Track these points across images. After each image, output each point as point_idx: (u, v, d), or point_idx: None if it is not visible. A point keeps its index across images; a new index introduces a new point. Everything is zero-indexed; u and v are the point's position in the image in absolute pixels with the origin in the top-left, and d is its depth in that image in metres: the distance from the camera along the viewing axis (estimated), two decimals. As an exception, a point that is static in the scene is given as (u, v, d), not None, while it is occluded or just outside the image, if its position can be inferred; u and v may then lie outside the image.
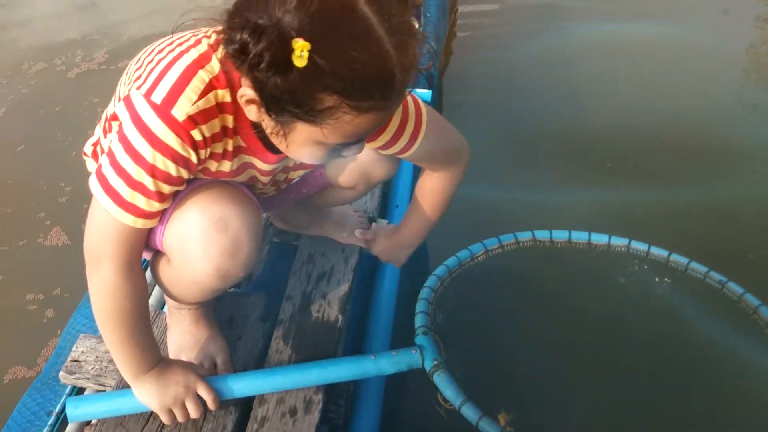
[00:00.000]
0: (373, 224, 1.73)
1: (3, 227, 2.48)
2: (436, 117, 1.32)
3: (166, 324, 1.44)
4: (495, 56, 3.52)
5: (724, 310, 1.63)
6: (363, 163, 1.38)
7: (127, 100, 1.02)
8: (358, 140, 1.01)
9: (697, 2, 3.97)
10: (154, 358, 1.22)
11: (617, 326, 1.78)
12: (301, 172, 1.37)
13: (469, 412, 1.26)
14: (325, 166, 1.40)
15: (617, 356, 1.72)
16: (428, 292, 1.60)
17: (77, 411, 1.26)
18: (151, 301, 1.59)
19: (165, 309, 1.48)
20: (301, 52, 0.83)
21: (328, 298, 1.55)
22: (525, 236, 1.81)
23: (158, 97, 0.99)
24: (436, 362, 1.37)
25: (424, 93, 2.43)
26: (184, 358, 1.35)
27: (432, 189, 1.45)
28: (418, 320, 1.49)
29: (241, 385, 1.30)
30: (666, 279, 1.77)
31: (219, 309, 1.51)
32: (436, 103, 3.00)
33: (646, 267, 1.78)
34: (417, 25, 2.53)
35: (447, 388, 1.32)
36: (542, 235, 1.82)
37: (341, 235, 1.67)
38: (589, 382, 1.68)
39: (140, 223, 1.06)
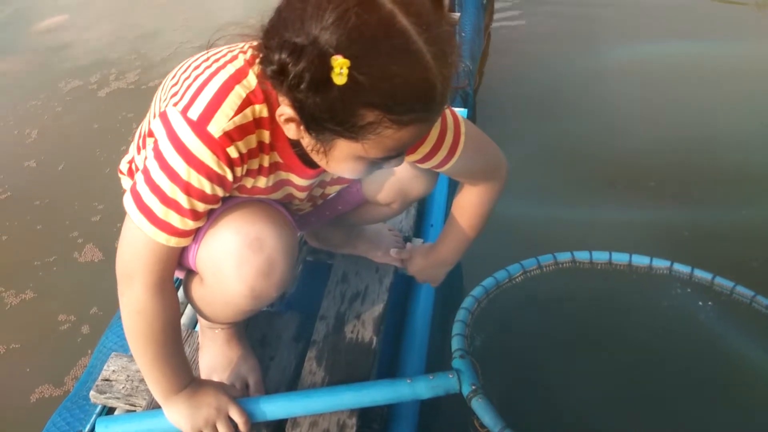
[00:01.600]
0: (408, 244, 1.69)
1: (36, 244, 2.49)
2: (475, 130, 1.29)
3: (198, 344, 1.42)
4: (529, 76, 3.49)
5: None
6: (400, 179, 1.35)
7: (163, 117, 1.01)
8: (399, 154, 0.98)
9: (735, 20, 3.91)
10: (186, 378, 1.20)
11: (660, 352, 1.72)
12: (337, 187, 1.34)
13: None
14: (362, 181, 1.37)
15: (660, 384, 1.65)
16: (465, 314, 1.57)
17: (107, 431, 1.23)
18: (184, 320, 1.57)
19: (197, 328, 1.46)
20: (340, 69, 0.81)
21: (362, 319, 1.52)
22: (564, 257, 1.77)
23: (195, 113, 0.98)
24: (474, 387, 1.33)
25: (460, 111, 2.39)
26: (216, 379, 1.33)
27: (470, 204, 1.41)
28: (455, 343, 1.46)
29: (273, 408, 1.27)
30: (710, 303, 1.71)
31: (251, 328, 1.49)
32: (472, 122, 2.97)
33: (689, 290, 1.72)
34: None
35: (486, 415, 1.27)
36: (582, 256, 1.77)
37: (376, 254, 1.64)
38: (630, 409, 1.63)
39: (173, 242, 1.04)
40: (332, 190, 1.34)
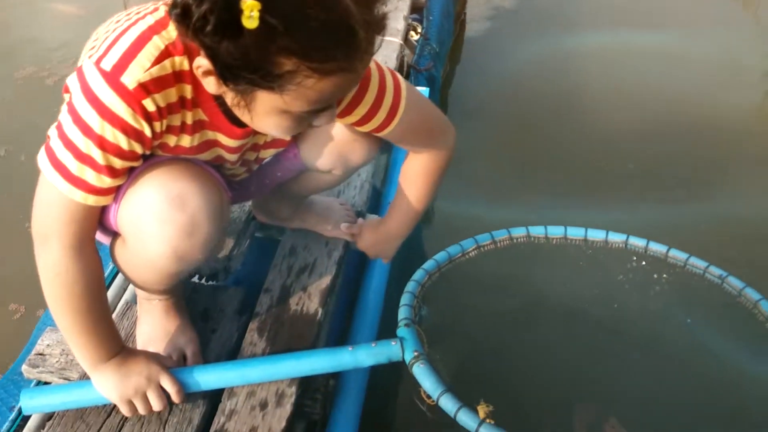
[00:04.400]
0: (360, 219, 1.66)
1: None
2: (417, 94, 1.26)
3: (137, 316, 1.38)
4: (503, 64, 3.47)
5: (725, 307, 1.55)
6: (339, 144, 1.31)
7: (78, 70, 0.98)
8: (325, 106, 0.96)
9: (704, 10, 3.91)
10: (114, 347, 1.17)
11: (609, 323, 1.71)
12: (272, 151, 1.31)
13: (447, 404, 1.19)
14: (299, 146, 1.34)
15: (614, 357, 1.64)
16: (414, 286, 1.53)
17: (32, 402, 1.20)
18: (127, 295, 1.53)
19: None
20: (250, 12, 0.78)
21: (308, 291, 1.49)
22: (519, 232, 1.74)
23: (108, 63, 0.95)
24: (416, 353, 1.30)
25: (422, 90, 2.37)
26: (152, 350, 1.29)
27: (416, 174, 1.39)
28: (402, 312, 1.42)
29: (208, 377, 1.24)
30: (664, 275, 1.69)
31: (193, 302, 1.46)
32: (438, 105, 2.95)
33: (644, 263, 1.70)
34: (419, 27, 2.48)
35: (426, 380, 1.24)
36: (537, 231, 1.75)
37: (326, 228, 1.61)
38: (582, 382, 1.61)
39: (91, 200, 1.01)
40: (267, 154, 1.30)
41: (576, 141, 2.91)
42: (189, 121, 1.05)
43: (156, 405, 1.18)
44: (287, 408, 1.25)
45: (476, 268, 1.69)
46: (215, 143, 1.13)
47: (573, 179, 2.66)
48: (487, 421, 1.15)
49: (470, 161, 2.79)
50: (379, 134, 1.24)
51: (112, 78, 0.94)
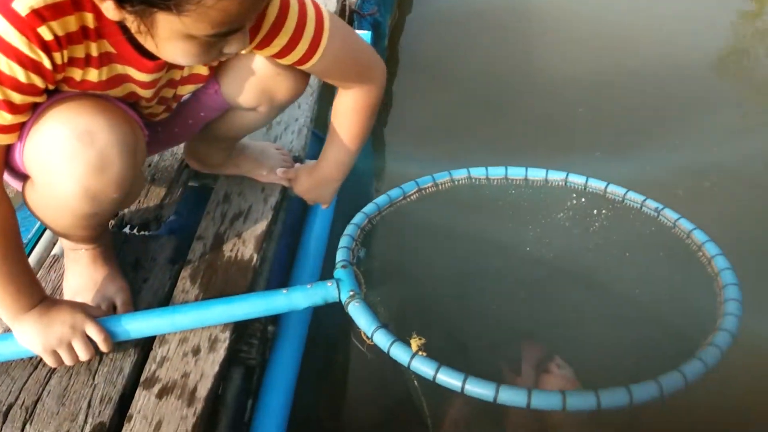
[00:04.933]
0: (297, 164, 1.63)
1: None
2: (342, 25, 1.22)
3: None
4: (456, 13, 3.42)
5: (661, 238, 1.56)
6: (262, 78, 1.26)
7: None
8: (231, 29, 0.91)
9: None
10: (35, 297, 1.13)
11: (551, 261, 1.71)
12: (191, 87, 1.25)
13: (381, 339, 1.18)
14: (219, 82, 1.28)
15: (551, 291, 1.66)
16: (354, 229, 1.50)
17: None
18: (56, 250, 1.48)
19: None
20: None
21: (243, 238, 1.46)
22: (460, 174, 1.72)
23: None
24: (351, 293, 1.28)
25: (363, 34, 2.32)
26: (79, 300, 1.26)
27: (346, 111, 1.35)
28: (339, 255, 1.40)
29: (136, 325, 1.21)
30: (603, 210, 1.69)
31: (124, 252, 1.42)
32: (384, 53, 2.90)
33: (584, 200, 1.70)
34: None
35: (360, 317, 1.22)
36: (478, 172, 1.73)
37: (261, 173, 1.57)
38: (524, 319, 1.62)
39: None
40: (185, 91, 1.25)
41: (528, 91, 2.90)
42: (94, 53, 1.00)
43: (82, 354, 1.15)
44: (220, 353, 1.23)
45: (418, 211, 1.67)
46: (126, 78, 1.08)
47: (525, 129, 2.66)
48: (420, 353, 1.14)
49: (419, 114, 2.76)
50: (303, 67, 1.20)
51: (3, 5, 0.89)
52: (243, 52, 1.14)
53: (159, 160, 1.64)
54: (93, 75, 1.03)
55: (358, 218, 1.54)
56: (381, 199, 1.60)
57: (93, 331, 1.16)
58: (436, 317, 1.65)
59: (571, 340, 1.68)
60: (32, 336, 1.12)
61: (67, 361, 1.15)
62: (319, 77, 1.29)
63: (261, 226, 1.49)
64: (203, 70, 1.20)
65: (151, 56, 1.03)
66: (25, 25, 0.89)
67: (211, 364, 1.22)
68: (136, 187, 1.14)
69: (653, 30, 3.29)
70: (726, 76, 3.13)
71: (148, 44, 0.94)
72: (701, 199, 2.39)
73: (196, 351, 1.23)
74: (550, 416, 1.59)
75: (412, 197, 1.66)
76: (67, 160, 1.00)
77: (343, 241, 1.44)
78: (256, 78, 1.25)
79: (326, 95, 1.99)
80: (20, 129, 1.00)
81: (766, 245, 2.14)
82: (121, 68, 1.06)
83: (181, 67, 1.15)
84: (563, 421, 1.56)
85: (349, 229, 1.49)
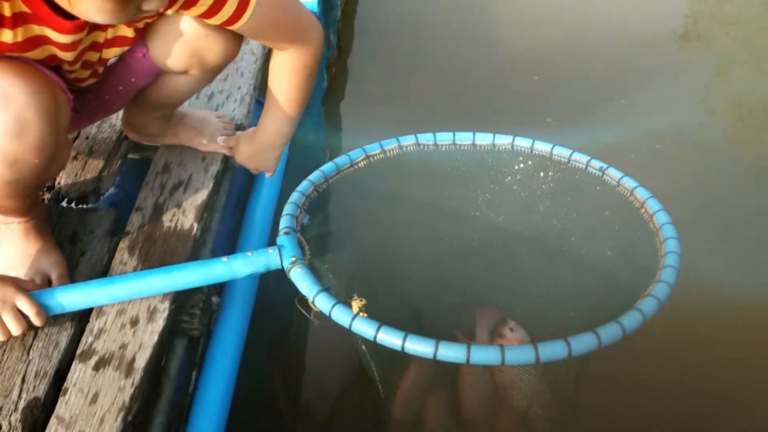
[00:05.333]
0: (238, 132, 1.60)
1: None
2: None
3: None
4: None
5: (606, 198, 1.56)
6: (191, 39, 1.22)
7: None
8: None
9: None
10: None
11: (500, 225, 1.71)
12: (116, 50, 1.21)
13: (322, 303, 1.16)
14: (148, 44, 1.24)
15: (501, 255, 1.67)
16: (298, 196, 1.46)
17: None
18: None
19: None
20: None
21: (183, 208, 1.43)
22: (408, 140, 1.70)
23: None
24: (294, 259, 1.25)
25: (309, 3, 2.28)
26: (12, 275, 1.22)
27: (282, 74, 1.32)
28: (283, 222, 1.36)
29: (71, 298, 1.18)
30: (550, 173, 1.69)
31: (61, 225, 1.38)
32: (337, 23, 2.87)
33: (530, 163, 1.69)
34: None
35: (302, 282, 1.20)
36: (426, 138, 1.70)
37: (201, 142, 1.54)
38: (472, 283, 1.62)
39: None
40: (111, 54, 1.21)
41: (484, 58, 2.90)
42: (7, 12, 0.96)
43: (13, 329, 1.12)
44: (159, 323, 1.21)
45: (367, 179, 1.65)
46: (44, 40, 1.04)
47: (480, 96, 2.66)
48: (361, 314, 1.13)
49: (373, 83, 2.74)
50: (232, 28, 1.16)
51: None
52: (168, 12, 1.11)
53: (97, 132, 1.59)
54: (7, 36, 0.99)
55: (303, 186, 1.51)
56: (327, 167, 1.56)
57: (25, 305, 1.12)
58: (386, 284, 1.65)
59: (522, 302, 1.69)
60: None
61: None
62: (252, 39, 1.26)
63: (201, 196, 1.46)
64: (128, 32, 1.16)
65: (70, 16, 0.99)
66: None
67: (150, 334, 1.19)
68: (60, 154, 1.10)
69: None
70: (683, 45, 3.15)
71: (61, 1, 0.90)
72: (652, 162, 2.42)
73: (134, 322, 1.21)
74: (501, 379, 1.60)
75: (360, 164, 1.63)
76: None
77: (287, 209, 1.41)
78: (184, 40, 1.22)
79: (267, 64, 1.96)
80: None
81: (709, 201, 2.18)
82: (38, 29, 1.02)
83: (104, 29, 1.11)
84: (514, 384, 1.57)
85: (294, 197, 1.46)
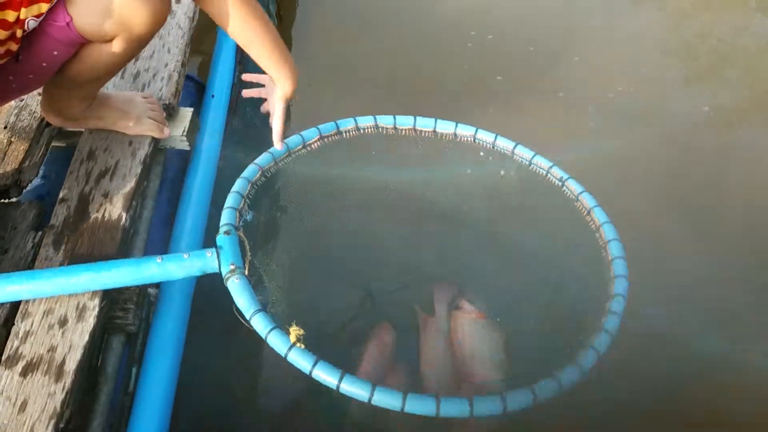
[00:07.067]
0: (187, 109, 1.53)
1: None
2: None
3: None
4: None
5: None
6: (118, 2, 1.15)
7: None
8: None
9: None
10: None
11: (457, 213, 1.69)
12: (36, 9, 1.13)
13: (259, 325, 1.10)
14: (70, 11, 1.16)
15: (457, 241, 1.68)
16: (244, 184, 1.35)
17: None
18: None
19: None
20: None
21: (110, 197, 1.36)
22: (366, 122, 1.60)
23: None
24: (232, 267, 1.17)
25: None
26: None
27: (228, 13, 1.25)
28: (225, 217, 1.27)
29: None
30: (512, 172, 1.63)
31: (-20, 222, 1.30)
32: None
33: (491, 158, 1.63)
34: None
35: (240, 297, 1.13)
36: (385, 121, 1.61)
37: (127, 125, 1.46)
38: (427, 263, 1.64)
39: None
40: (30, 14, 1.12)
41: (439, 32, 2.76)
42: None
43: None
44: (90, 322, 1.15)
45: (317, 164, 1.57)
46: None
47: (434, 74, 2.55)
48: (298, 344, 1.08)
49: (320, 59, 2.61)
50: None
51: None
52: None
53: (16, 120, 1.50)
54: None
55: (249, 171, 1.39)
56: (276, 151, 1.46)
57: None
58: (339, 267, 1.60)
59: (476, 279, 1.67)
60: None
61: None
62: None
63: (130, 183, 1.39)
64: None
65: None
66: None
67: (80, 334, 1.13)
68: None
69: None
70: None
71: None
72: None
73: (63, 322, 1.15)
74: (462, 354, 1.57)
75: (312, 146, 1.52)
76: None
77: (230, 200, 1.31)
78: (111, 3, 1.15)
79: (199, 38, 1.87)
80: None
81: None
82: None
83: None
84: (475, 356, 1.55)
85: (238, 185, 1.35)
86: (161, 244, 1.51)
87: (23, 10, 1.10)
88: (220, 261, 1.18)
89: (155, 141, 1.49)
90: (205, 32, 1.98)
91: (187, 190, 1.60)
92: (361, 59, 2.62)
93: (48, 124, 1.50)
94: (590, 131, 2.34)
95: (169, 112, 1.56)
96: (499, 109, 2.36)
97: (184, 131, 1.55)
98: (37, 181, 1.50)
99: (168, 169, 1.61)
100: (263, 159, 1.43)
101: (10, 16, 1.09)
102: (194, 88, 1.89)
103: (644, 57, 2.66)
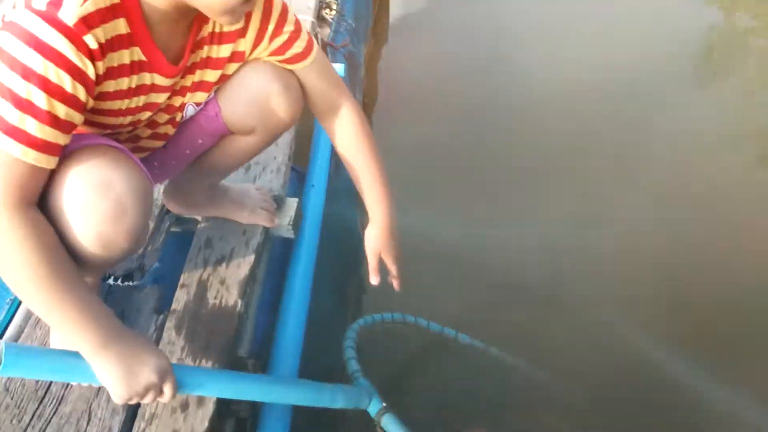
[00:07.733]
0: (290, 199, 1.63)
1: None
2: (326, 58, 1.30)
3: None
4: (435, 38, 3.40)
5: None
6: (262, 98, 1.25)
7: (7, 24, 0.90)
8: None
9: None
10: (110, 326, 0.99)
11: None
12: (197, 97, 1.22)
13: None
14: (220, 103, 1.27)
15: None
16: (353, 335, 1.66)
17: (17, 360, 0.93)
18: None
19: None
20: None
21: (226, 283, 1.44)
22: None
23: (41, 3, 0.90)
24: (384, 405, 1.43)
25: (337, 66, 2.32)
26: None
27: (354, 139, 1.31)
28: (351, 366, 1.55)
29: (201, 381, 1.11)
30: None
31: (108, 303, 1.37)
32: (361, 83, 2.90)
33: None
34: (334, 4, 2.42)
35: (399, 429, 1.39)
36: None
37: (242, 214, 1.56)
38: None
39: (32, 156, 0.92)
40: (191, 99, 1.22)
41: (515, 122, 2.78)
42: (126, 60, 1.02)
43: (164, 399, 1.05)
44: (209, 408, 1.21)
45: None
46: (151, 89, 1.10)
47: (513, 168, 2.55)
48: None
49: (400, 150, 2.62)
50: (298, 66, 1.24)
51: (50, 16, 0.89)
52: (260, 46, 1.19)
53: (138, 207, 1.61)
54: (124, 84, 1.04)
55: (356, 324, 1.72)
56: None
57: (170, 384, 1.03)
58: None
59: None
60: (116, 378, 0.98)
61: (144, 401, 1.04)
62: (308, 90, 1.28)
63: (244, 271, 1.47)
64: (211, 77, 1.20)
65: (176, 60, 1.09)
66: (74, 34, 0.90)
67: (200, 420, 1.19)
68: (142, 237, 1.11)
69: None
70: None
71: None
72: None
73: (184, 407, 1.21)
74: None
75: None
76: (84, 210, 0.98)
77: (348, 352, 1.58)
78: (255, 98, 1.25)
79: (302, 131, 1.98)
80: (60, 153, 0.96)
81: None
82: (149, 77, 1.08)
83: (192, 72, 1.17)
84: None
85: (350, 333, 1.67)
86: (266, 330, 1.57)
87: (188, 95, 1.21)
88: (371, 401, 1.44)
89: (266, 230, 1.58)
90: (305, 128, 2.07)
91: (292, 278, 1.67)
92: (441, 154, 2.62)
93: (167, 212, 1.60)
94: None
95: (278, 203, 1.65)
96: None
97: (290, 220, 1.64)
98: (155, 265, 1.59)
99: (272, 256, 1.69)
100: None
101: (177, 101, 1.20)
102: (295, 178, 1.99)
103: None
